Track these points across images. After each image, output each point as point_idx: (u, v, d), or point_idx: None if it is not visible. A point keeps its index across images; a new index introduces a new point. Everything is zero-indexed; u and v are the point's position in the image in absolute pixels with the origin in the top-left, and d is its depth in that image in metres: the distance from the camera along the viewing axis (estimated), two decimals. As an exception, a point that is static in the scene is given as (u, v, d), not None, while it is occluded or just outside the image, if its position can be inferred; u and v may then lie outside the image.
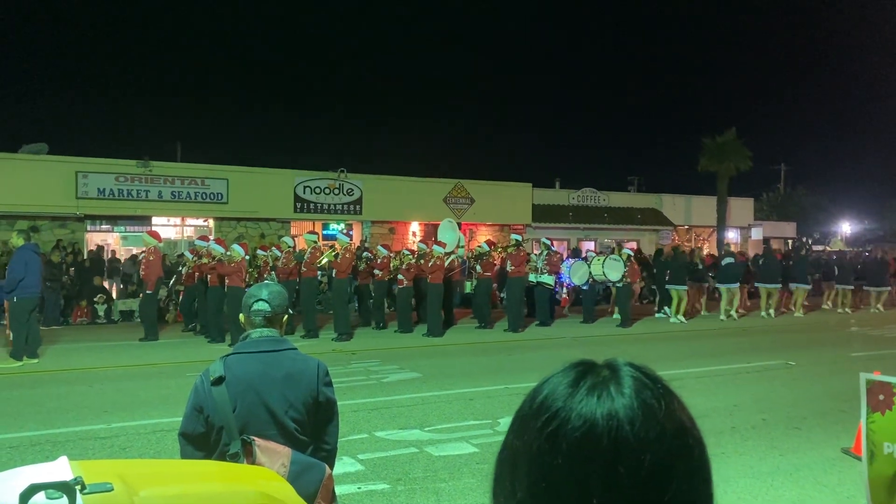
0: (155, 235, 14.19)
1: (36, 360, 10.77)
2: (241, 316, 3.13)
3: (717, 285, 18.31)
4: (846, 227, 47.59)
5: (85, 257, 19.35)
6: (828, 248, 29.30)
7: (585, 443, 0.78)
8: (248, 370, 2.91)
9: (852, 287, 20.20)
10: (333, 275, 14.55)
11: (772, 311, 18.31)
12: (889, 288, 20.82)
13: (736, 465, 5.89)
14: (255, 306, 3.04)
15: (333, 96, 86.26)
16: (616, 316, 17.37)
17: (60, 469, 1.99)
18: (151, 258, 13.53)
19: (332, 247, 15.38)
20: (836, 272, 20.24)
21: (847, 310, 19.61)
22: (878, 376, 2.32)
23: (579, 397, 0.82)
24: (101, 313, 17.24)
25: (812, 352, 12.10)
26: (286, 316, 3.19)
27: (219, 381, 2.89)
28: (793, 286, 19.12)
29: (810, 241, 36.53)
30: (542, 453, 0.80)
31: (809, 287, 19.22)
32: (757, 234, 32.45)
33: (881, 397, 2.24)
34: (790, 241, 33.53)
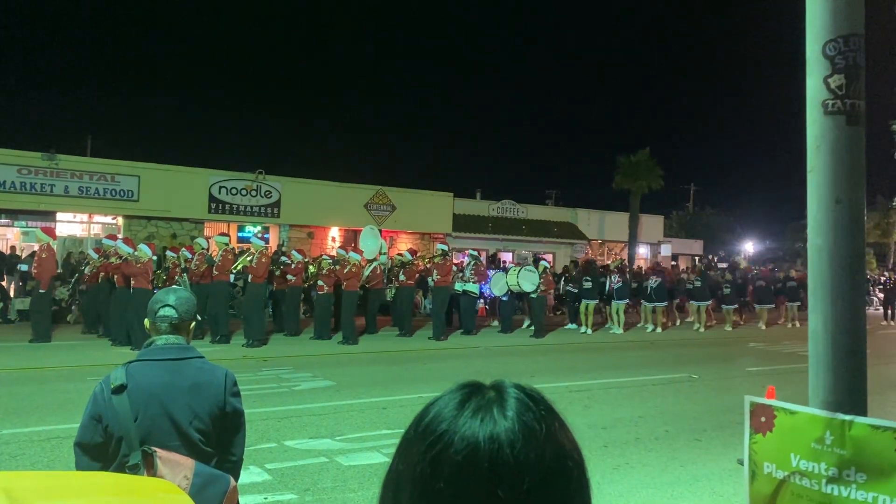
0: (48, 232, 13.60)
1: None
2: (147, 321, 3.01)
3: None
4: (749, 247, 50.03)
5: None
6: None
7: (466, 466, 0.78)
8: (151, 379, 2.79)
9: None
10: (249, 279, 14.21)
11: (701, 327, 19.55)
12: (772, 305, 22.04)
13: (639, 476, 6.07)
14: (161, 312, 2.92)
15: (253, 95, 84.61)
16: (530, 327, 17.65)
17: (-60, 483, 1.87)
18: (44, 255, 12.93)
19: (247, 250, 15.04)
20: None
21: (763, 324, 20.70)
22: (760, 399, 2.44)
23: (463, 420, 0.82)
24: (-4, 312, 16.31)
25: (714, 366, 12.62)
26: (194, 323, 3.09)
27: (120, 389, 2.76)
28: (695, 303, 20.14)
29: (716, 259, 38.20)
30: (425, 477, 0.80)
31: (709, 303, 20.16)
32: (666, 250, 33.71)
33: (763, 419, 2.35)
34: (697, 259, 34.92)
